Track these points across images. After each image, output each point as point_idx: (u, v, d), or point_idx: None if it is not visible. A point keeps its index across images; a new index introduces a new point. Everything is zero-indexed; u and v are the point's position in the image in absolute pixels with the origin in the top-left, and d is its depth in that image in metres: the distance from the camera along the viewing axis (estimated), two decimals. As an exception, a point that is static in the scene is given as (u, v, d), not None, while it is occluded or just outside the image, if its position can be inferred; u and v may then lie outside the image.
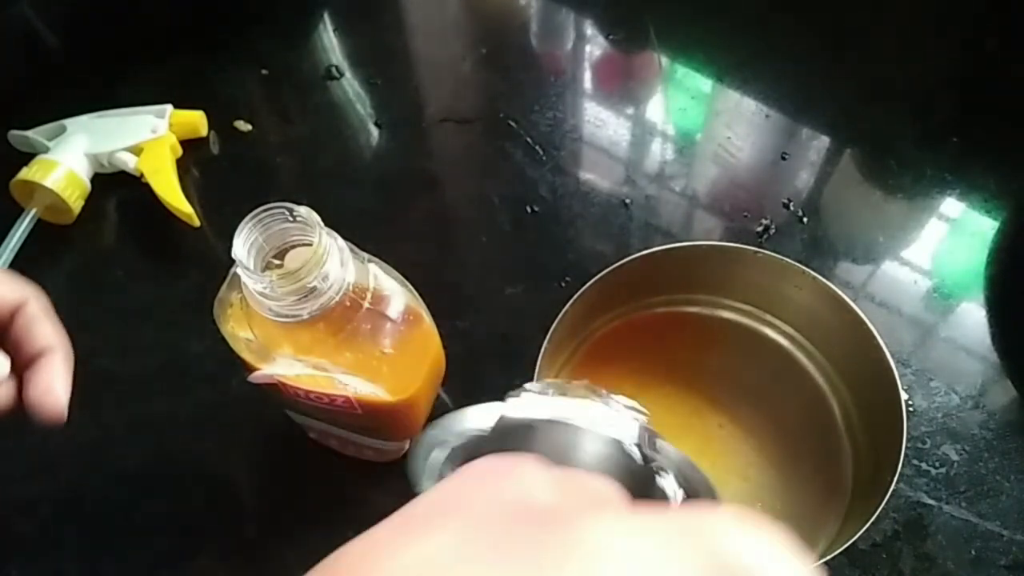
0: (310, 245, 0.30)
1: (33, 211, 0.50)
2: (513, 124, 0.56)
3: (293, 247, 0.32)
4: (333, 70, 0.59)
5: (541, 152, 0.54)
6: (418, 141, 0.56)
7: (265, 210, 0.30)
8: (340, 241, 0.32)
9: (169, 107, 0.54)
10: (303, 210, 0.31)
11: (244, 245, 0.30)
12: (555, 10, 0.64)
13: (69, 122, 0.53)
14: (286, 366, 0.33)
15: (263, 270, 0.31)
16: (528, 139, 0.55)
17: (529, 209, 0.52)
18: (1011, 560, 0.38)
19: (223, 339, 0.33)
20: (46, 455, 0.43)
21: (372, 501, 0.41)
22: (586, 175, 0.54)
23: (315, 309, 0.30)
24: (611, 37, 0.62)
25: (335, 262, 0.31)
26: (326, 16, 0.63)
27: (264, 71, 0.59)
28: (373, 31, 0.62)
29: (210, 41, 0.61)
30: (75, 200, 0.50)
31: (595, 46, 0.62)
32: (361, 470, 0.41)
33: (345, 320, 0.32)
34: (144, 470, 0.43)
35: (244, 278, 0.30)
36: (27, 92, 0.58)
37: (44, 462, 0.43)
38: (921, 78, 0.58)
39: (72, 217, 0.51)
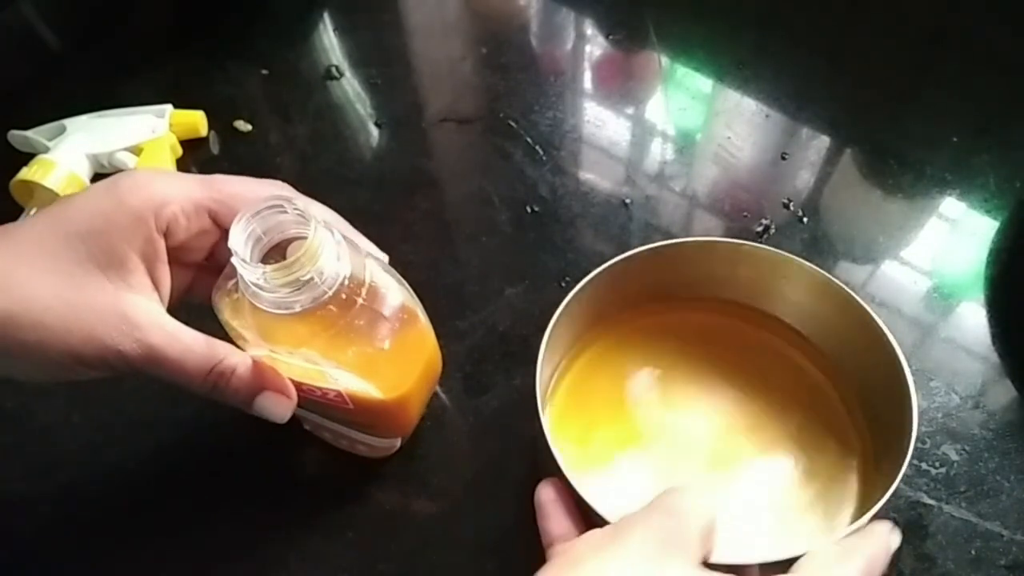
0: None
1: (33, 211, 0.50)
2: (513, 124, 0.56)
3: (293, 240, 0.32)
4: (333, 70, 0.59)
5: (541, 152, 0.54)
6: (418, 141, 0.56)
7: (264, 203, 0.31)
8: (337, 235, 0.32)
9: (169, 107, 0.54)
10: (300, 203, 0.31)
11: (241, 236, 0.30)
12: (555, 10, 0.64)
13: (69, 122, 0.53)
14: (279, 357, 0.33)
15: (262, 262, 0.31)
16: (528, 139, 0.55)
17: (529, 209, 0.52)
18: (1011, 560, 0.38)
19: (223, 338, 0.33)
20: (46, 455, 0.43)
21: (372, 498, 0.41)
22: (586, 175, 0.54)
23: (308, 302, 0.31)
24: (611, 37, 0.62)
25: (330, 256, 0.31)
26: (326, 16, 0.63)
27: (264, 71, 0.59)
28: (373, 31, 0.62)
29: (210, 41, 0.61)
30: (75, 200, 0.50)
31: (595, 46, 0.62)
32: (360, 467, 0.41)
33: (339, 315, 0.32)
34: (144, 470, 0.43)
35: (239, 269, 0.30)
36: (27, 92, 0.59)
37: (44, 462, 0.43)
38: (921, 78, 0.58)
39: (72, 217, 0.51)
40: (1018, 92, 0.56)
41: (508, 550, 0.39)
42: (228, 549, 0.40)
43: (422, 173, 0.55)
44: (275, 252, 0.32)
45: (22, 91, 0.59)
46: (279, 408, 0.33)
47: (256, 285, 0.30)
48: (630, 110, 0.58)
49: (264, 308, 0.31)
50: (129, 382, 0.45)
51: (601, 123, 0.56)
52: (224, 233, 0.35)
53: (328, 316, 0.31)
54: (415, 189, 0.54)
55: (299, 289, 0.30)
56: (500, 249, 0.50)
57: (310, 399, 0.35)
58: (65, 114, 0.53)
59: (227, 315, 0.33)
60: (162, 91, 0.55)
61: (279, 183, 0.36)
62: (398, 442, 0.41)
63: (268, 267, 0.29)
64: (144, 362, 0.31)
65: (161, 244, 0.32)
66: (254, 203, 0.31)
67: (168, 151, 0.53)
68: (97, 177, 0.52)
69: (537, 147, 0.55)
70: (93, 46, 0.61)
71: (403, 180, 0.54)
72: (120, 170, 0.52)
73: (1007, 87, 0.57)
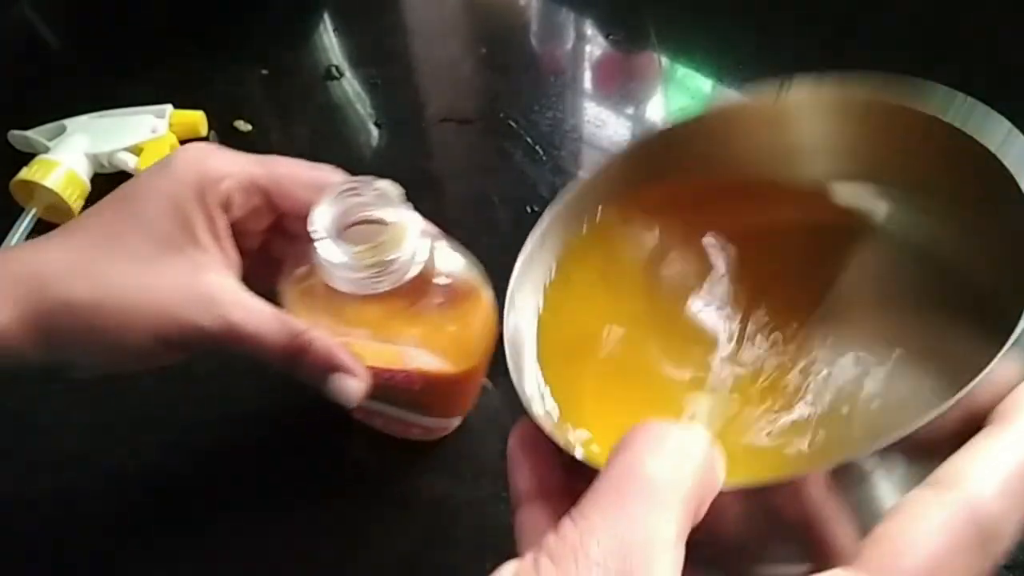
0: (382, 222, 0.31)
1: (33, 211, 0.50)
2: (513, 124, 0.56)
3: (369, 221, 0.32)
4: (333, 70, 0.59)
5: (541, 152, 0.54)
6: (418, 141, 0.56)
7: (344, 184, 0.31)
8: (417, 215, 0.32)
9: (169, 107, 0.54)
10: (383, 184, 0.31)
11: (324, 218, 0.31)
12: (555, 10, 0.64)
13: (69, 122, 0.53)
14: (355, 340, 0.33)
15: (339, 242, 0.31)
16: (528, 139, 0.55)
17: (529, 209, 0.52)
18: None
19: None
20: (46, 455, 0.43)
21: (375, 497, 0.41)
22: (586, 175, 0.53)
23: (393, 282, 0.31)
24: (611, 37, 0.62)
25: (413, 236, 0.31)
26: (326, 16, 0.63)
27: (264, 71, 0.59)
28: (373, 31, 0.62)
29: (210, 41, 0.61)
30: (75, 200, 0.50)
31: (595, 46, 0.62)
32: (363, 466, 0.41)
33: (419, 294, 0.32)
34: (144, 470, 0.43)
35: (323, 251, 0.30)
36: (27, 92, 0.59)
37: (44, 462, 0.43)
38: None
39: (72, 217, 0.51)
40: (1019, 93, 0.56)
41: (510, 546, 0.39)
42: (228, 550, 0.40)
43: (422, 173, 0.55)
44: (349, 235, 0.32)
45: (22, 91, 0.59)
46: (352, 388, 0.32)
47: (340, 267, 0.30)
48: (630, 110, 0.58)
49: (346, 290, 0.31)
50: (130, 382, 0.45)
51: (601, 123, 0.56)
52: (277, 216, 0.35)
53: (408, 295, 0.32)
54: (415, 189, 0.53)
55: (384, 269, 0.31)
56: (500, 249, 0.50)
57: (375, 383, 0.35)
58: (65, 114, 0.53)
59: (296, 304, 0.33)
60: (162, 91, 0.55)
61: (330, 167, 0.36)
62: (457, 421, 0.41)
63: (356, 248, 0.30)
64: (225, 338, 0.31)
65: (223, 220, 0.33)
66: (335, 185, 0.31)
67: (168, 151, 0.53)
68: (97, 177, 0.52)
69: (537, 147, 0.55)
70: (93, 46, 0.61)
71: (403, 180, 0.54)
72: (120, 170, 0.52)
73: (1007, 87, 0.57)
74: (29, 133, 0.52)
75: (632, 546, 0.18)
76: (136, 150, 0.52)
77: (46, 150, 0.51)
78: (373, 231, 0.32)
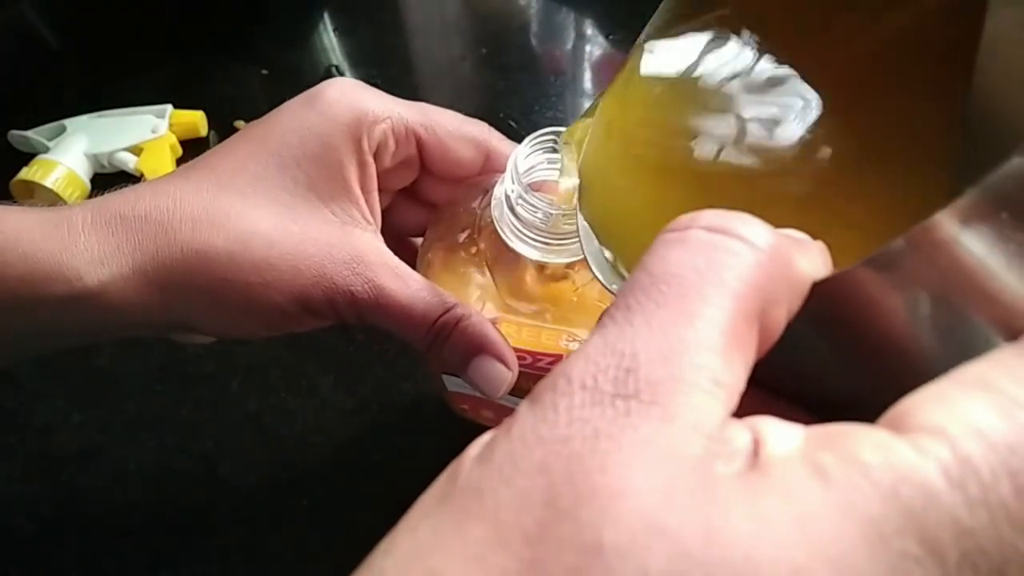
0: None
1: (33, 211, 0.50)
2: (513, 124, 0.56)
3: (540, 181, 0.29)
4: (333, 70, 0.59)
5: (541, 152, 0.54)
6: (418, 141, 0.56)
7: (539, 137, 0.28)
8: None
9: (169, 107, 0.54)
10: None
11: (523, 168, 0.27)
12: (555, 10, 0.64)
13: (69, 122, 0.53)
14: (513, 319, 0.30)
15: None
16: (528, 139, 0.55)
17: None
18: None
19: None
20: (46, 455, 0.43)
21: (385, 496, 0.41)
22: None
23: (574, 254, 0.28)
24: (611, 37, 0.62)
25: None
26: (326, 16, 0.63)
27: (264, 71, 0.59)
28: (373, 31, 0.62)
29: (210, 41, 0.61)
30: (75, 200, 0.50)
31: (595, 46, 0.62)
32: (372, 468, 0.41)
33: (586, 273, 0.29)
34: (144, 470, 0.43)
35: (520, 206, 0.27)
36: (27, 92, 0.59)
37: (44, 462, 0.43)
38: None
39: (72, 217, 0.51)
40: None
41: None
42: (228, 551, 0.40)
43: (422, 173, 0.55)
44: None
45: (22, 91, 0.59)
46: (497, 377, 0.27)
47: (531, 226, 0.27)
48: (630, 110, 0.58)
49: (530, 256, 0.28)
50: (129, 382, 0.45)
51: (601, 123, 0.56)
52: (425, 170, 0.31)
53: (580, 272, 0.29)
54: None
55: (574, 238, 0.27)
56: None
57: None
58: (65, 114, 0.53)
59: (443, 273, 0.30)
60: (162, 91, 0.55)
61: (484, 124, 0.32)
62: None
63: (563, 207, 0.26)
64: (371, 306, 0.27)
65: (373, 169, 0.29)
66: (534, 133, 0.28)
67: (168, 151, 0.53)
68: (97, 177, 0.52)
69: (537, 147, 0.55)
70: (94, 46, 0.61)
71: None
72: (120, 170, 0.52)
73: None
74: (29, 133, 0.52)
75: (638, 358, 0.12)
76: (136, 150, 0.52)
77: (46, 150, 0.51)
78: (548, 188, 0.28)
